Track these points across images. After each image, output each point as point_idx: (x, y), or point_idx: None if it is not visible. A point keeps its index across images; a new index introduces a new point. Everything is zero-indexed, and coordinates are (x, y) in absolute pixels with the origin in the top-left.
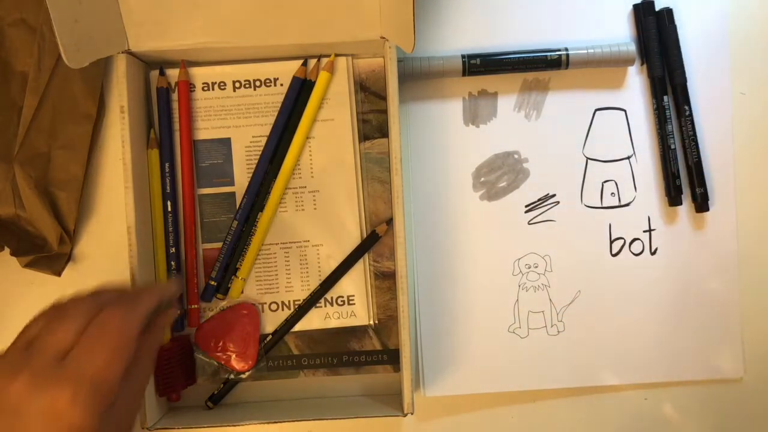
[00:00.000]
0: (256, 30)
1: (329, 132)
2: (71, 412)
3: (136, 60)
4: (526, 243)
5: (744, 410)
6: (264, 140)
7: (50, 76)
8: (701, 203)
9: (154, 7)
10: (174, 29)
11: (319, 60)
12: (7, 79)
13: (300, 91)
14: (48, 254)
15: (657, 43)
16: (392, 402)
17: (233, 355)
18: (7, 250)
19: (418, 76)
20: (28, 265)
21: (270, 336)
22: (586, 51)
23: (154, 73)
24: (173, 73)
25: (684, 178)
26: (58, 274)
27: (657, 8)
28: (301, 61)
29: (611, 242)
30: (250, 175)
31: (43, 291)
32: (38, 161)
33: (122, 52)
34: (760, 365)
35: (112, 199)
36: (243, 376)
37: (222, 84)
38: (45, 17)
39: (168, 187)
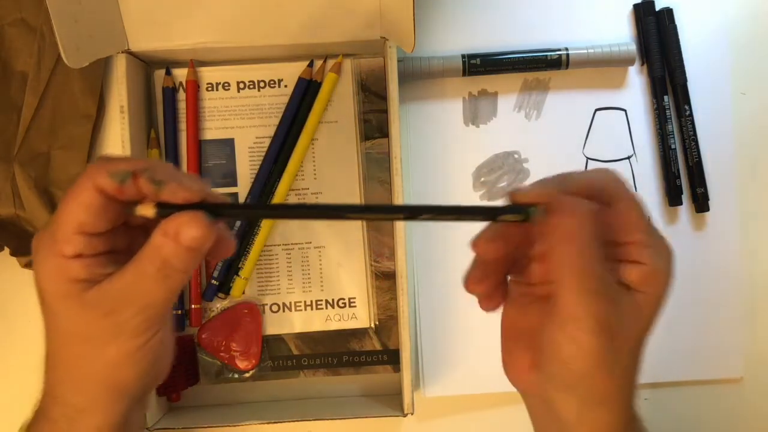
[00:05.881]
0: (255, 30)
1: (333, 134)
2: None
3: (136, 60)
4: None
5: (744, 410)
6: (267, 141)
7: (50, 76)
8: (701, 203)
9: (154, 7)
10: (174, 29)
11: (325, 61)
12: (7, 79)
13: (305, 92)
14: None
15: (657, 43)
16: (392, 402)
17: (237, 354)
18: (7, 250)
19: (418, 76)
20: (27, 265)
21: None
22: (586, 51)
23: (159, 73)
24: (177, 73)
25: (684, 178)
26: None
27: (657, 8)
28: (304, 62)
29: None
30: (253, 175)
31: None
32: (38, 161)
33: (122, 52)
34: (760, 365)
35: None
36: (246, 375)
37: (226, 84)
38: (45, 17)
39: None
